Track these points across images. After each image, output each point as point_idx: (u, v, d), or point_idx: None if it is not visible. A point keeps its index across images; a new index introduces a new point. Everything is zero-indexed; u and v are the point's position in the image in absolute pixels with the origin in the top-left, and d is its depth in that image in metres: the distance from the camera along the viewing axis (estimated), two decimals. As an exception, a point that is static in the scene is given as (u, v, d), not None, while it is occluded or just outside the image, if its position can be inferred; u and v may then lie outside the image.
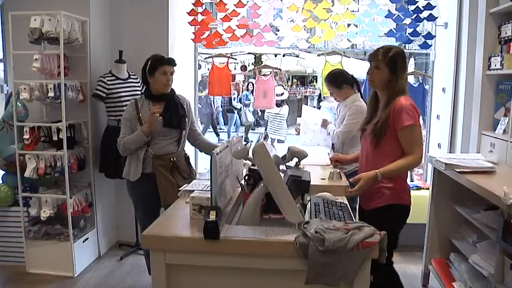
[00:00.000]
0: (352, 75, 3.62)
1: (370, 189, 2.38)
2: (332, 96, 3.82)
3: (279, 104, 7.59)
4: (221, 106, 12.21)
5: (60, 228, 3.61)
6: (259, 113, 12.26)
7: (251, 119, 11.43)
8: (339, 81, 3.54)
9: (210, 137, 8.63)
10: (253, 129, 12.23)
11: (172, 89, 3.02)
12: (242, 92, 11.72)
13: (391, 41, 4.15)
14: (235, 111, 11.59)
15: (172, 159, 2.99)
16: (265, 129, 8.67)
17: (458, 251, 3.12)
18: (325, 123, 3.78)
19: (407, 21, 4.00)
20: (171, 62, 2.97)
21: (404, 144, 2.34)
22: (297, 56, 13.64)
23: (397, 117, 2.31)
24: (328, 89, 3.64)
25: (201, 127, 12.02)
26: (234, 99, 11.37)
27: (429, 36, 4.15)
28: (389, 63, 2.37)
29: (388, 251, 2.37)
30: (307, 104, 13.55)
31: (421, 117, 2.50)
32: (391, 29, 4.06)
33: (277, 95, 7.39)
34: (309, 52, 12.77)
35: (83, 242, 3.73)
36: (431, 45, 4.22)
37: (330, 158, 3.01)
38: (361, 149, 2.63)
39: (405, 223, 2.49)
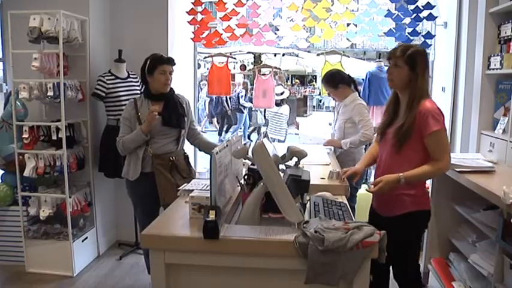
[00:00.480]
0: (348, 75, 3.63)
1: (390, 195, 2.31)
2: (330, 96, 3.83)
3: (278, 104, 7.55)
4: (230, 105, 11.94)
5: (60, 228, 3.60)
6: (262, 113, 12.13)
7: (261, 120, 11.14)
8: (335, 81, 3.56)
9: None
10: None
11: (171, 88, 3.02)
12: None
13: (391, 41, 4.15)
14: (245, 111, 11.30)
15: (171, 158, 2.98)
16: (266, 129, 8.64)
17: (457, 250, 3.12)
18: (330, 143, 3.69)
19: (407, 20, 4.00)
20: (170, 62, 2.97)
21: (432, 150, 2.24)
22: (297, 56, 13.66)
23: (423, 122, 2.21)
24: (326, 89, 3.68)
25: (217, 126, 11.99)
26: (242, 97, 11.05)
27: (429, 35, 4.14)
28: (408, 60, 2.26)
29: (415, 254, 2.41)
30: (306, 105, 13.58)
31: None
32: (390, 29, 4.06)
33: (277, 94, 7.35)
34: (309, 51, 12.79)
35: (82, 241, 3.72)
36: (430, 45, 4.21)
37: (341, 175, 2.62)
38: (379, 152, 2.51)
39: (427, 226, 2.45)
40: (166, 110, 2.96)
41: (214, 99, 11.36)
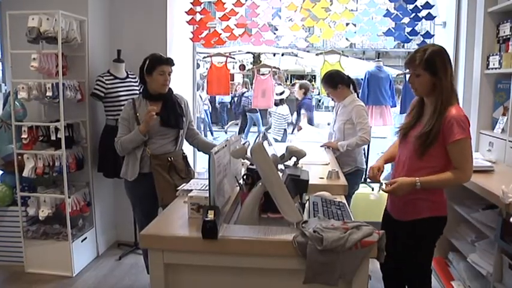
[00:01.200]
0: (348, 76, 3.63)
1: (405, 199, 2.26)
2: (329, 97, 3.83)
3: (277, 103, 7.50)
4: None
5: (59, 228, 3.60)
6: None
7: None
8: (335, 81, 3.56)
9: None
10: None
11: (170, 89, 3.02)
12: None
13: (390, 40, 4.16)
14: (258, 111, 11.06)
15: (169, 159, 2.98)
16: (265, 129, 8.60)
17: (457, 250, 3.12)
18: (326, 145, 3.67)
19: (406, 20, 4.00)
20: (170, 62, 2.96)
21: (454, 158, 2.16)
22: (296, 55, 13.66)
23: (448, 129, 2.12)
24: (325, 89, 3.67)
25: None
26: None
27: (428, 35, 4.15)
28: (426, 66, 2.15)
29: (427, 260, 2.36)
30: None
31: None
32: (389, 28, 4.06)
33: (276, 94, 7.28)
34: (308, 51, 12.80)
35: (82, 241, 3.72)
36: (429, 45, 4.21)
37: (370, 177, 2.56)
38: (399, 152, 2.41)
39: (442, 233, 2.39)
40: (164, 110, 2.95)
41: (236, 100, 11.32)
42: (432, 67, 2.14)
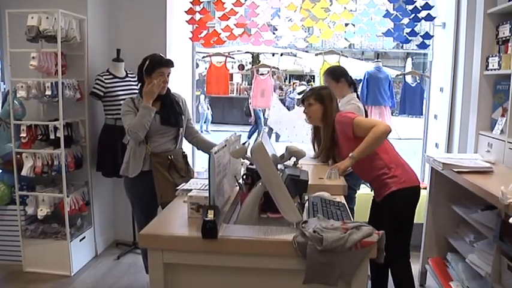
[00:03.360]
0: (350, 76, 3.61)
1: (378, 182, 2.65)
2: None
3: (298, 104, 7.32)
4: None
5: (57, 227, 3.60)
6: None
7: None
8: (337, 74, 3.51)
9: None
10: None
11: (167, 88, 3.01)
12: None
13: (389, 41, 4.16)
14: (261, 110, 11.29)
15: (169, 157, 2.98)
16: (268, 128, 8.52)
17: (455, 250, 3.13)
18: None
19: (405, 21, 4.00)
20: (170, 64, 2.95)
21: (363, 131, 2.55)
22: (295, 56, 13.66)
23: (341, 127, 2.66)
24: (327, 82, 3.60)
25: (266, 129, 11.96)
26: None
27: (427, 36, 4.15)
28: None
29: (405, 241, 2.69)
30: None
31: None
32: (389, 29, 4.06)
33: (298, 93, 7.11)
34: (307, 51, 12.78)
35: (80, 240, 3.72)
36: (429, 45, 4.22)
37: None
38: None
39: (414, 206, 2.68)
40: (163, 109, 2.95)
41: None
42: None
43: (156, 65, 2.89)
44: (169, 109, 2.98)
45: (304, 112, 2.89)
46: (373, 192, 2.85)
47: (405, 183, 2.61)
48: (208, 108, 12.81)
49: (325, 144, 2.86)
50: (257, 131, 11.39)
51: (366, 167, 2.68)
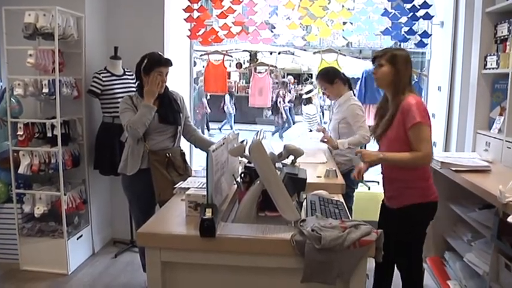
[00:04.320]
0: (343, 73, 3.60)
1: (398, 188, 2.48)
2: (325, 95, 3.77)
3: (305, 103, 7.14)
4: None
5: (54, 225, 3.58)
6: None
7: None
8: (331, 76, 3.50)
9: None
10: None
11: (165, 86, 3.00)
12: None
13: (387, 40, 4.16)
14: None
15: (168, 155, 2.97)
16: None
17: (453, 249, 3.13)
18: (328, 142, 3.53)
19: (404, 19, 4.00)
20: (168, 63, 2.94)
21: (412, 141, 2.33)
22: (293, 54, 13.64)
23: (406, 115, 2.33)
24: (321, 85, 3.61)
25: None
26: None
27: (425, 34, 4.15)
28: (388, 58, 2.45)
29: (418, 248, 2.54)
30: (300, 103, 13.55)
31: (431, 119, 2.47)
32: (387, 28, 4.06)
33: (305, 93, 6.97)
34: (305, 50, 12.77)
35: (77, 239, 3.71)
36: (427, 44, 4.22)
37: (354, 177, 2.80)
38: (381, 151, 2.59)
39: (432, 219, 2.54)
40: (162, 107, 2.94)
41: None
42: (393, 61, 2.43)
43: (155, 64, 2.88)
44: (168, 107, 2.97)
45: (373, 74, 2.57)
46: (386, 198, 2.67)
47: (433, 196, 2.49)
48: (233, 109, 12.66)
49: (390, 113, 2.45)
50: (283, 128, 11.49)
51: (406, 170, 2.44)
